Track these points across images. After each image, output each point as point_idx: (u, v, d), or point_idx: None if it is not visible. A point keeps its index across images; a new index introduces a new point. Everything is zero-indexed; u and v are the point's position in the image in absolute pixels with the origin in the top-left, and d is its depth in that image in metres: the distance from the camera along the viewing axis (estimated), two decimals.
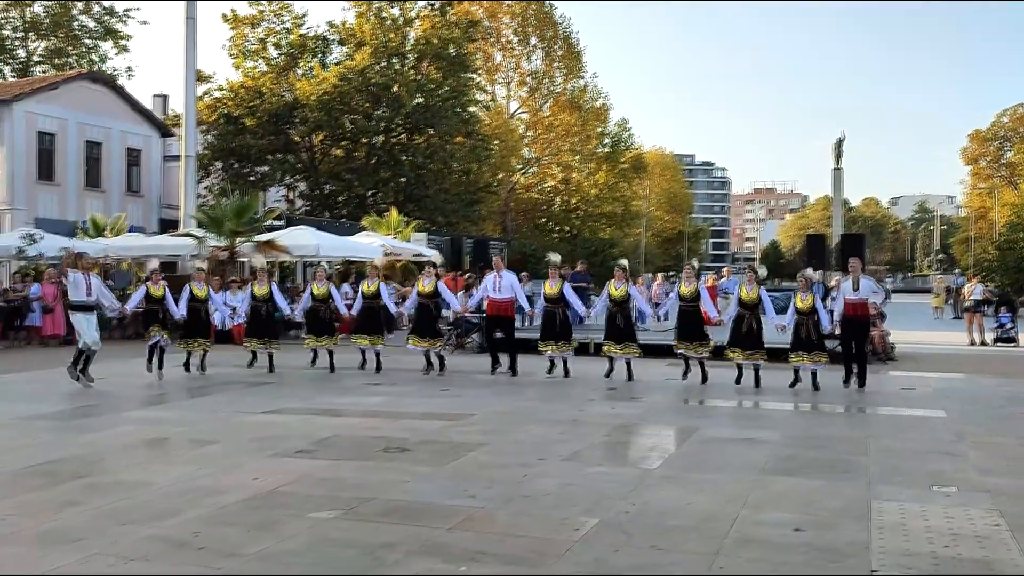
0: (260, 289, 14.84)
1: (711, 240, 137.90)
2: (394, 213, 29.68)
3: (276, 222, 26.64)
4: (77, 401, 11.40)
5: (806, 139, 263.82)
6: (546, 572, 4.83)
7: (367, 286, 14.71)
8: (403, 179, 40.96)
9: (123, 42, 45.28)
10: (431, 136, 40.89)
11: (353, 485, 6.79)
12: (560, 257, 15.01)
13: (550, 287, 14.03)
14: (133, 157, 34.39)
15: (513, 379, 13.70)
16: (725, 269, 27.87)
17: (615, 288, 13.54)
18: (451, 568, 4.89)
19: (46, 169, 31.08)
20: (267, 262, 20.30)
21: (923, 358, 17.76)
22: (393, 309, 15.63)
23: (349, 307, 15.94)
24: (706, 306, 13.42)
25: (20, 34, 43.62)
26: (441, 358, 14.24)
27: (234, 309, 17.09)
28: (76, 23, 44.17)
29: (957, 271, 43.18)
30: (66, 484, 6.85)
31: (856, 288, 12.42)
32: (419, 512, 6.06)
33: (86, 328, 12.54)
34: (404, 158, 40.55)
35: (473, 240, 24.12)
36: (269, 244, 22.27)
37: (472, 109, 46.17)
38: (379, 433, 9.06)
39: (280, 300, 15.12)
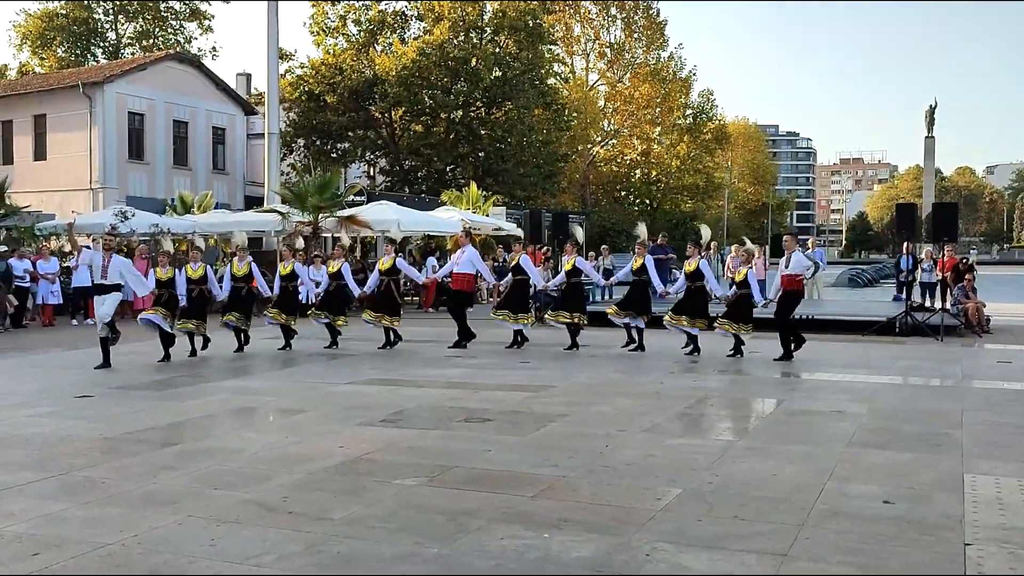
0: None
1: (796, 212, 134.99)
2: (473, 188, 29.81)
3: (357, 198, 27.02)
4: (169, 372, 11.80)
5: (896, 107, 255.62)
6: (629, 540, 4.83)
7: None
8: (482, 153, 41.08)
9: (207, 22, 46.32)
10: (509, 109, 40.86)
11: (436, 453, 6.88)
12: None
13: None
14: (218, 135, 35.19)
15: (585, 352, 13.66)
16: (810, 241, 27.29)
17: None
18: (534, 534, 4.92)
19: (136, 148, 32.05)
20: (350, 237, 20.59)
21: (1020, 331, 17.14)
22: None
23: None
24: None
25: (110, 17, 44.94)
26: (521, 333, 14.27)
27: (317, 284, 17.22)
28: (163, 5, 45.29)
29: None
30: (162, 450, 7.10)
31: (787, 264, 12.67)
32: (502, 480, 6.10)
33: (98, 311, 12.08)
34: (483, 132, 40.64)
35: (552, 214, 24.00)
36: (351, 219, 22.63)
37: (551, 81, 45.94)
38: (461, 404, 9.15)
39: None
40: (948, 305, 17.05)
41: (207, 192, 29.38)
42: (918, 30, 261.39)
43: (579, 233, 15.13)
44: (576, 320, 13.91)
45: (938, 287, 19.24)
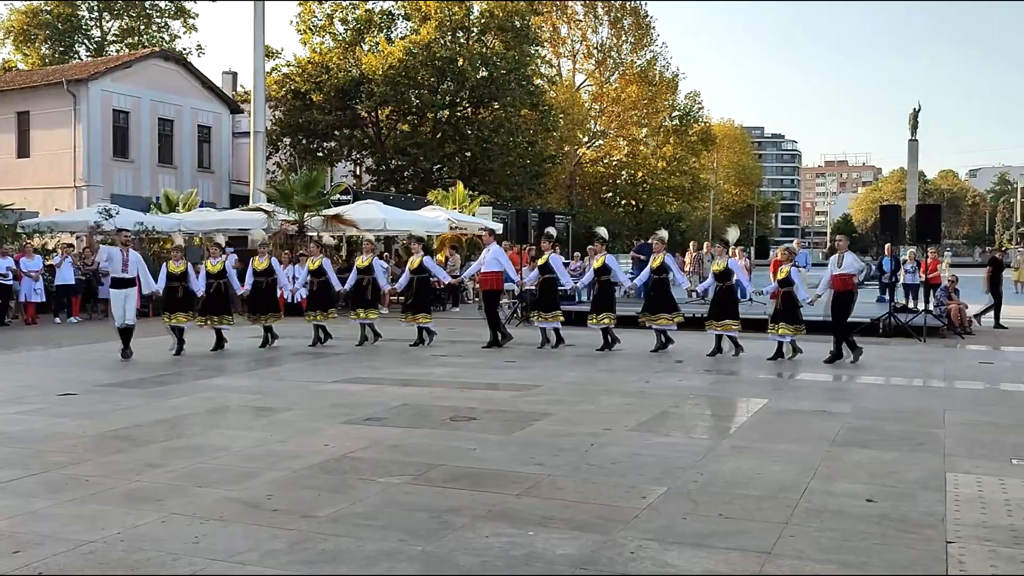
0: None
1: (781, 214, 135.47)
2: (460, 187, 29.78)
3: (343, 197, 26.97)
4: (156, 370, 11.74)
5: (880, 110, 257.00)
6: (614, 538, 4.84)
7: (411, 262, 14.76)
8: (468, 153, 41.06)
9: (191, 21, 46.12)
10: (496, 109, 40.85)
11: (422, 452, 6.88)
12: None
13: (595, 261, 14.18)
14: (204, 134, 35.00)
15: (572, 351, 13.69)
16: (795, 242, 27.48)
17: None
18: (519, 532, 4.93)
19: (121, 146, 31.84)
20: (334, 236, 20.59)
21: (1002, 332, 17.27)
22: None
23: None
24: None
25: (95, 15, 44.67)
26: (557, 332, 14.23)
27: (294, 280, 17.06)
28: (148, 2, 45.05)
29: None
30: (147, 447, 7.07)
31: (840, 264, 12.64)
32: (487, 478, 6.11)
33: (120, 306, 12.57)
34: (469, 132, 40.62)
35: (538, 214, 24.01)
36: (336, 218, 22.57)
37: (537, 82, 45.94)
38: (447, 403, 9.15)
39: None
40: (931, 306, 17.16)
41: (192, 190, 29.24)
42: (903, 33, 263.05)
43: (603, 231, 15.17)
44: (607, 320, 13.82)
45: (921, 288, 19.40)
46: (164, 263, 13.80)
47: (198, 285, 13.57)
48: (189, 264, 13.68)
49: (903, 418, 8.34)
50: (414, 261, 14.61)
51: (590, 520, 5.16)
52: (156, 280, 13.40)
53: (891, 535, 4.91)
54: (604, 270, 13.98)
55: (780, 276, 12.76)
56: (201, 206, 28.29)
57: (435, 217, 24.97)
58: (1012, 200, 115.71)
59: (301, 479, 6.08)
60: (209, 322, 13.73)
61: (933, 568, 4.43)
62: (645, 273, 14.36)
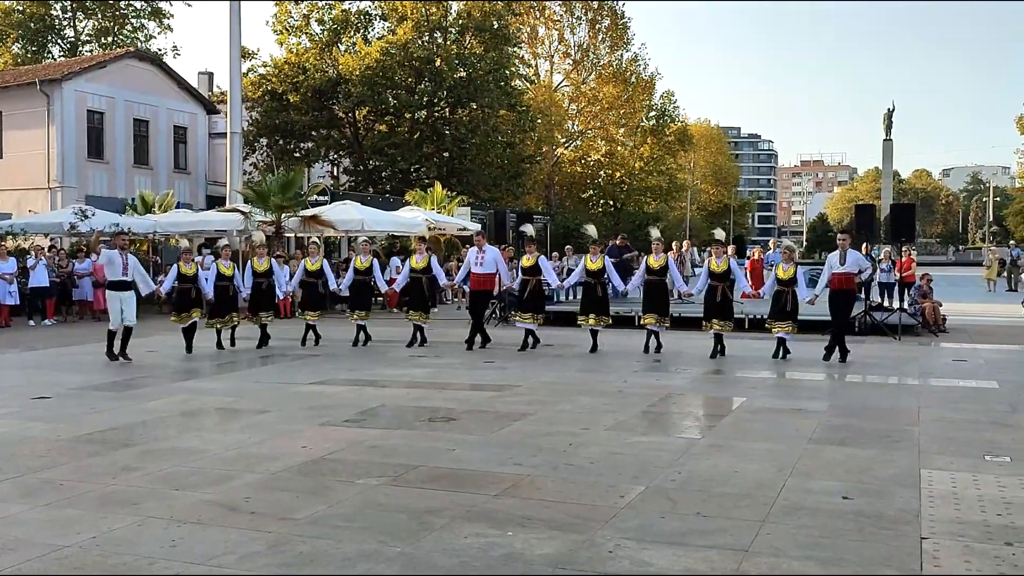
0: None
1: (757, 213, 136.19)
2: (438, 187, 29.72)
3: (320, 197, 26.83)
4: (131, 372, 11.64)
5: (855, 111, 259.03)
6: (592, 537, 4.85)
7: (415, 261, 14.75)
8: (446, 153, 40.99)
9: (167, 21, 45.76)
10: (474, 110, 40.81)
11: (400, 453, 6.86)
12: (594, 229, 15.09)
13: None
14: (180, 134, 34.71)
15: (550, 352, 13.71)
16: (771, 242, 27.65)
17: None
18: (498, 532, 4.93)
19: (95, 147, 31.51)
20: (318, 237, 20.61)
21: (975, 330, 17.44)
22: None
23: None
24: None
25: (68, 14, 44.22)
26: (533, 334, 14.16)
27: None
28: (122, 2, 44.64)
29: (1012, 243, 41.98)
30: (122, 451, 7.01)
31: (843, 262, 12.59)
32: (465, 479, 6.11)
33: (117, 308, 12.65)
34: (447, 132, 40.56)
35: (516, 214, 24.02)
36: (314, 218, 22.47)
37: (515, 83, 45.94)
38: (425, 404, 9.14)
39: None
40: (906, 305, 17.31)
41: (168, 191, 29.02)
42: (878, 34, 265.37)
43: (592, 230, 15.11)
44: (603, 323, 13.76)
45: (896, 287, 19.56)
46: (176, 264, 14.24)
47: (207, 287, 14.04)
48: (199, 267, 14.26)
49: (879, 416, 8.42)
50: (420, 261, 14.61)
51: (569, 520, 5.17)
52: (164, 283, 14.17)
53: (867, 532, 4.95)
54: (600, 272, 13.85)
55: (787, 276, 12.73)
56: (177, 207, 28.09)
57: (413, 218, 24.91)
58: (985, 199, 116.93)
59: (279, 481, 6.05)
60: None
61: (908, 564, 4.47)
62: (638, 277, 14.22)
